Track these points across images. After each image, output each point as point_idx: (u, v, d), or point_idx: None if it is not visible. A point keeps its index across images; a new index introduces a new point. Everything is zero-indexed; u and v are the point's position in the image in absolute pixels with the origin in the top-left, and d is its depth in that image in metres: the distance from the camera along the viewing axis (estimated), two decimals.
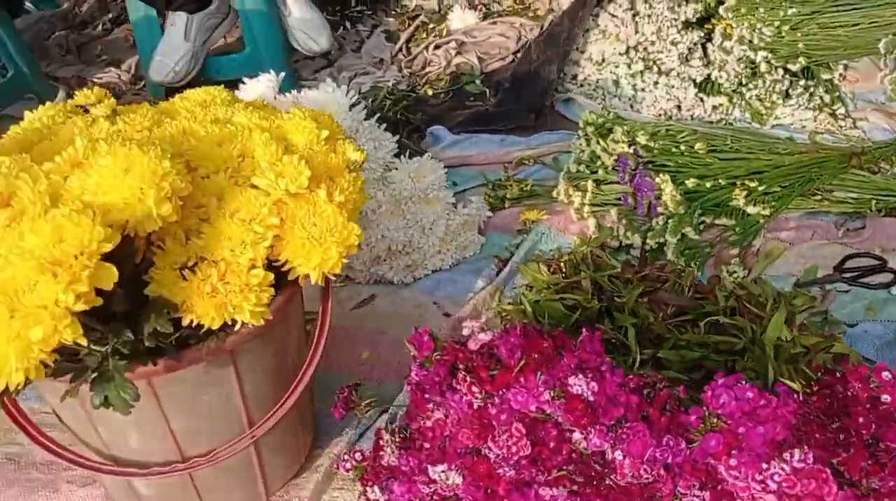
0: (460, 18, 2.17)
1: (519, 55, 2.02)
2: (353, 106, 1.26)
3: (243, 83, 1.31)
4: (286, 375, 0.94)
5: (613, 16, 1.80)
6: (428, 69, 2.02)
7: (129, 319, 0.71)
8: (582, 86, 1.81)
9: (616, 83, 1.76)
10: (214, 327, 0.73)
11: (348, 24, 2.27)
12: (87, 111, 0.91)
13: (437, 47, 2.07)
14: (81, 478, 1.08)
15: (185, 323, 0.72)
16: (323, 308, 0.91)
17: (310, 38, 1.95)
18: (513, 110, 1.78)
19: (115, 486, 0.96)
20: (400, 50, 2.14)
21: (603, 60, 1.79)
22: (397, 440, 0.88)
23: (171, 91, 1.98)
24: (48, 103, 0.95)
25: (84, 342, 0.63)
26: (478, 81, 1.94)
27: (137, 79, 2.13)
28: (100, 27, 2.39)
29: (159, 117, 0.88)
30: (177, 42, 1.85)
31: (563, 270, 1.31)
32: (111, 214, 0.66)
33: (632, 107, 1.75)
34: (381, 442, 0.88)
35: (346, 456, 0.94)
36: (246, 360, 0.85)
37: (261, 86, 1.27)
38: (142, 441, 0.87)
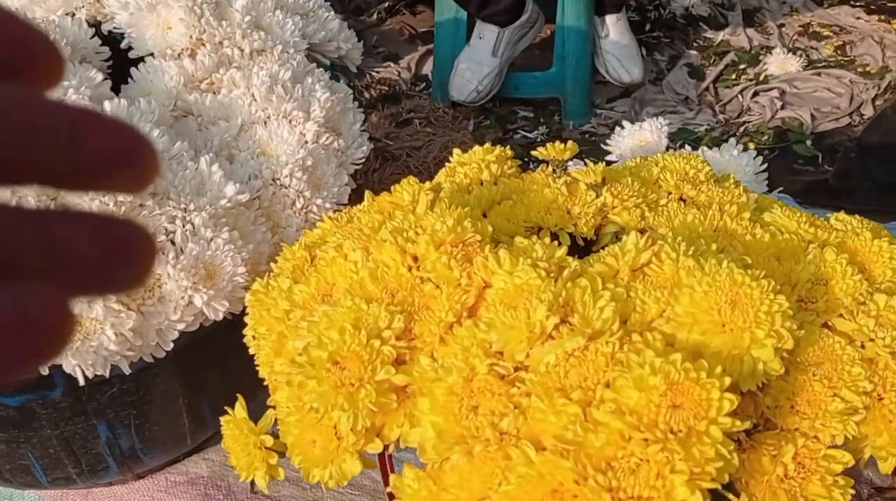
0: (780, 63, 1.91)
1: (855, 117, 1.75)
2: (758, 174, 1.05)
3: (621, 127, 1.12)
4: None
5: None
6: (746, 118, 1.77)
7: None
8: None
9: None
10: None
11: (644, 51, 2.05)
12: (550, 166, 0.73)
13: (755, 94, 1.83)
14: None
15: None
16: None
17: (622, 67, 1.75)
18: (863, 187, 1.51)
19: None
20: (706, 89, 1.90)
21: None
22: None
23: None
24: (475, 148, 0.79)
25: None
26: (808, 142, 1.68)
27: (418, 78, 2.00)
28: (374, 15, 2.27)
29: (646, 192, 0.69)
30: (483, 57, 1.69)
31: None
32: (720, 371, 0.47)
33: None
34: None
35: None
36: None
37: (645, 133, 1.07)
38: None
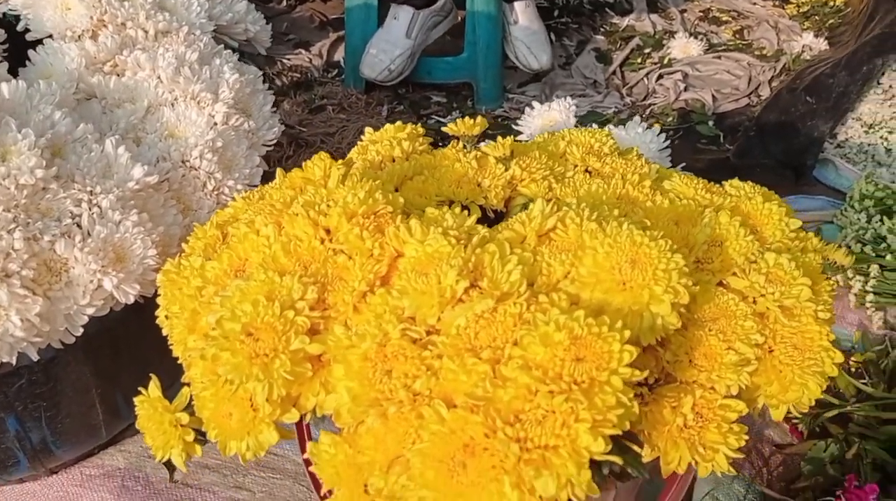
0: (682, 47, 1.98)
1: (753, 98, 1.83)
2: (662, 150, 1.09)
3: (530, 108, 1.14)
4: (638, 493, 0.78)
5: None
6: (651, 100, 1.83)
7: None
8: (841, 146, 1.61)
9: (888, 151, 1.56)
10: (680, 471, 0.56)
11: (553, 37, 2.09)
12: (462, 142, 0.75)
13: (660, 77, 1.89)
14: None
15: (645, 457, 0.56)
16: None
17: (531, 53, 1.78)
18: (762, 164, 1.58)
19: None
20: (613, 73, 1.96)
21: (875, 123, 1.59)
22: None
23: (370, 87, 1.83)
24: (386, 126, 0.80)
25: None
26: (710, 123, 1.75)
27: (329, 65, 1.99)
28: (284, 2, 2.25)
29: (552, 164, 0.72)
30: (397, 38, 1.69)
31: (870, 375, 1.13)
32: (621, 325, 0.49)
33: None
34: None
35: None
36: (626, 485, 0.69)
37: (554, 113, 1.10)
38: None
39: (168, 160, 0.78)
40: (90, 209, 0.69)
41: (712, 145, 1.71)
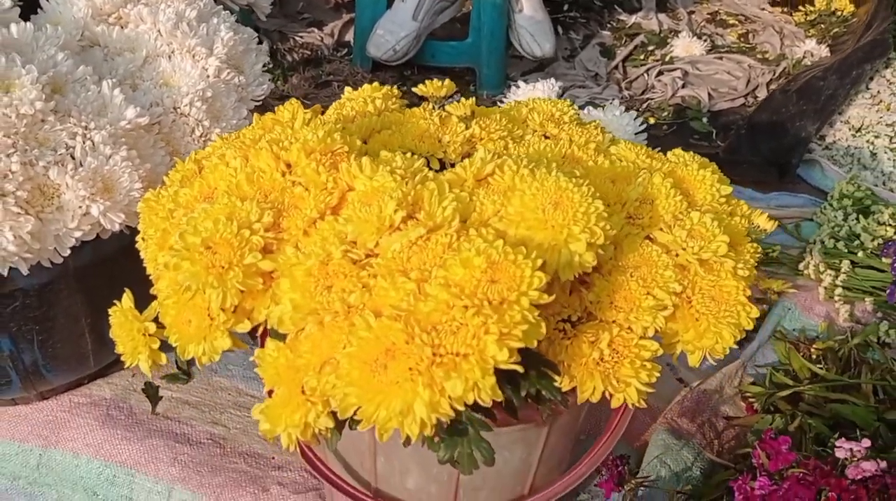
0: (685, 47, 2.02)
1: (750, 99, 1.87)
2: (637, 133, 1.14)
3: (516, 86, 1.20)
4: (575, 442, 0.83)
5: (892, 83, 1.63)
6: (649, 95, 1.88)
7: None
8: (829, 149, 1.66)
9: (874, 155, 1.60)
10: (594, 399, 0.61)
11: (560, 29, 2.14)
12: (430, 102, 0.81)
13: (660, 73, 1.93)
14: (294, 483, 0.98)
15: (558, 384, 0.61)
16: None
17: (534, 41, 1.83)
18: (750, 161, 1.63)
19: None
20: (616, 67, 2.00)
21: (862, 127, 1.63)
22: None
23: (376, 67, 1.89)
24: (364, 86, 0.86)
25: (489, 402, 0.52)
26: (704, 119, 1.80)
27: (340, 44, 2.05)
28: None
29: (512, 127, 0.77)
30: (403, 20, 1.75)
31: (827, 361, 1.18)
32: (535, 255, 0.55)
33: (884, 184, 1.59)
34: None
35: None
36: (560, 423, 0.74)
37: (538, 92, 1.16)
38: (420, 483, 0.76)
39: (160, 106, 0.84)
40: (84, 142, 0.75)
41: (704, 141, 1.75)
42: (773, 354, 1.24)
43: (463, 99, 0.78)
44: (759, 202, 1.54)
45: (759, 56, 2.06)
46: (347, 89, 0.87)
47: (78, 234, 0.76)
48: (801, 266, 1.38)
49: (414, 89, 0.83)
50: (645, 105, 1.85)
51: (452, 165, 0.74)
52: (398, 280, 0.53)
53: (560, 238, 0.56)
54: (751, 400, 1.14)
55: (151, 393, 1.05)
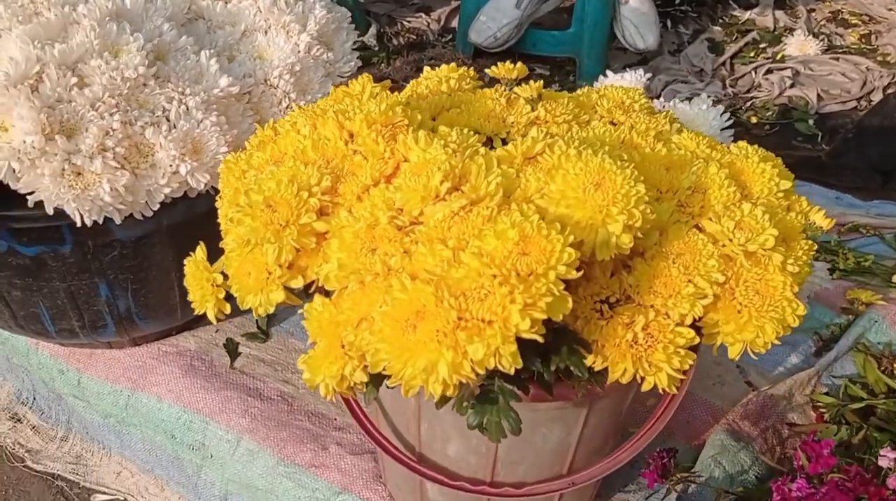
0: (799, 45, 1.95)
1: (864, 103, 1.79)
2: (724, 129, 1.12)
3: (604, 76, 1.20)
4: (620, 426, 0.84)
5: None
6: (754, 93, 1.83)
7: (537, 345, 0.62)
8: None
9: None
10: (623, 381, 0.62)
11: (669, 23, 2.11)
12: (502, 84, 0.83)
13: (769, 72, 1.88)
14: (351, 444, 1.03)
15: (591, 363, 0.63)
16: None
17: (638, 33, 1.82)
18: (853, 167, 1.57)
19: (404, 478, 0.90)
20: (723, 64, 1.96)
21: None
22: None
23: (478, 53, 1.92)
24: (442, 66, 0.89)
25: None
26: (811, 121, 1.74)
27: (445, 30, 2.09)
28: None
29: (578, 112, 0.79)
30: (507, 7, 1.77)
31: None
32: (568, 232, 0.57)
33: None
34: None
35: None
36: (600, 406, 0.76)
37: (625, 82, 1.16)
38: (460, 452, 0.79)
39: (252, 77, 0.90)
40: (179, 106, 0.82)
41: (808, 143, 1.70)
42: (853, 366, 1.20)
43: (532, 81, 0.79)
44: (859, 209, 1.49)
45: (879, 59, 1.97)
46: (426, 68, 0.90)
47: (167, 191, 0.82)
48: (894, 278, 1.32)
49: (486, 70, 0.85)
50: (749, 103, 1.80)
51: None
52: (436, 246, 0.56)
53: (598, 218, 0.58)
54: (822, 410, 1.12)
55: (231, 348, 1.13)
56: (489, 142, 0.77)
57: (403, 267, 0.58)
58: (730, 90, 1.84)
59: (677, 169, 0.68)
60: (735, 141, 1.63)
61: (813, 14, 2.17)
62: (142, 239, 0.94)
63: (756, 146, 0.74)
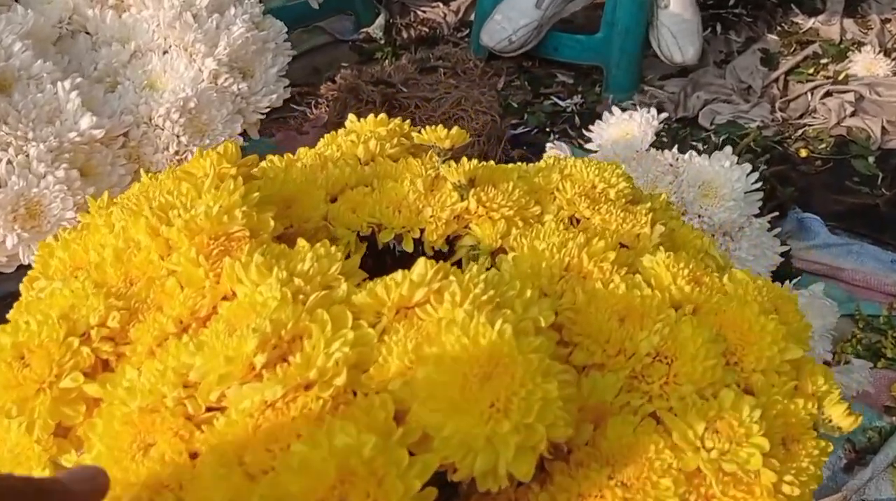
0: (867, 64, 1.68)
1: None
2: (749, 193, 0.90)
3: (609, 113, 0.98)
4: None
5: None
6: (808, 120, 1.57)
7: None
8: None
9: None
10: None
11: (718, 28, 1.85)
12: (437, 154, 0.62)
13: (828, 94, 1.62)
14: None
15: None
16: None
17: (676, 45, 1.57)
18: None
19: None
20: (776, 81, 1.70)
21: None
22: None
23: (493, 55, 1.69)
24: (370, 117, 0.69)
25: None
26: (871, 159, 1.48)
27: (463, 24, 1.87)
28: None
29: (527, 202, 0.58)
30: (525, 7, 1.54)
31: None
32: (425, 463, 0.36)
33: None
34: None
35: None
36: None
37: (633, 124, 0.93)
38: None
39: (133, 114, 0.71)
40: (16, 155, 0.63)
41: (866, 186, 1.44)
42: (892, 488, 0.98)
43: (464, 159, 0.58)
44: None
45: None
46: (351, 116, 0.70)
47: None
48: None
49: (414, 134, 0.64)
50: (800, 132, 1.55)
51: (435, 250, 0.56)
52: (220, 472, 0.37)
53: (479, 432, 0.37)
54: None
55: None
56: (399, 240, 0.57)
57: (182, 487, 0.38)
58: (779, 115, 1.59)
59: (635, 320, 0.47)
60: (778, 179, 1.38)
61: (888, 25, 1.88)
62: None
63: (763, 279, 0.52)
